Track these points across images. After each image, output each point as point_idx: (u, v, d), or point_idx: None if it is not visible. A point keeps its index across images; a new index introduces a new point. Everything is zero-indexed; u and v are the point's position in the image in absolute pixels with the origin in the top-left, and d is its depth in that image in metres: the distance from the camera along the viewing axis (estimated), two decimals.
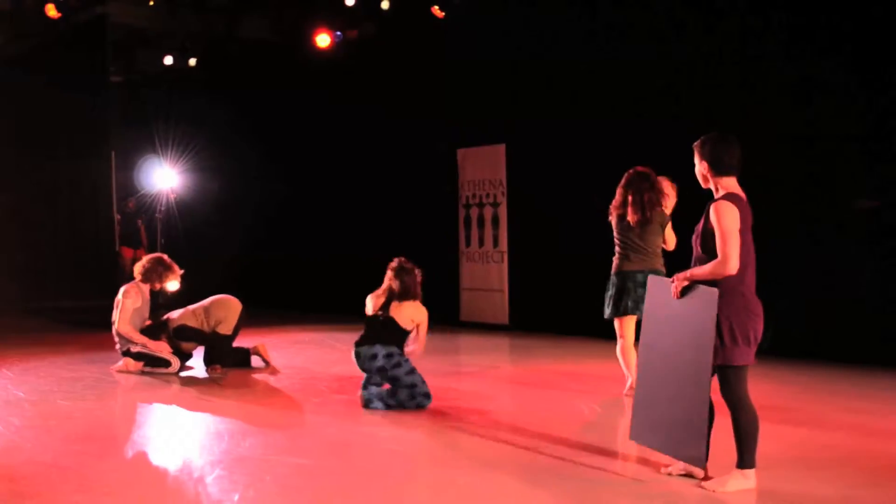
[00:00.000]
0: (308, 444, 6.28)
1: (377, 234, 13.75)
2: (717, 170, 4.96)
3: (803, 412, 7.01)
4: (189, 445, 6.40)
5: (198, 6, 15.33)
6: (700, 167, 5.05)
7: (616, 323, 7.48)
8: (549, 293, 11.34)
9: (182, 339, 9.24)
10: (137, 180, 15.54)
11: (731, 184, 4.96)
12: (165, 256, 9.59)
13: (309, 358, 10.14)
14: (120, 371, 9.16)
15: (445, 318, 9.13)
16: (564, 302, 11.03)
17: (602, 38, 10.89)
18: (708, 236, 4.90)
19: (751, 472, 4.95)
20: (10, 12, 14.64)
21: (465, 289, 12.71)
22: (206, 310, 9.35)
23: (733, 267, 4.78)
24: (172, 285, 9.56)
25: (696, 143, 5.07)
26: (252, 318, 9.81)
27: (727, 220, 4.80)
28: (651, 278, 5.56)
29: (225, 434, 6.69)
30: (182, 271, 9.56)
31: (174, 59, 16.27)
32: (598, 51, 10.89)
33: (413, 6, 13.10)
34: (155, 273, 9.34)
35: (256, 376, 8.98)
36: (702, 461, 5.09)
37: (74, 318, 13.89)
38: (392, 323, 7.26)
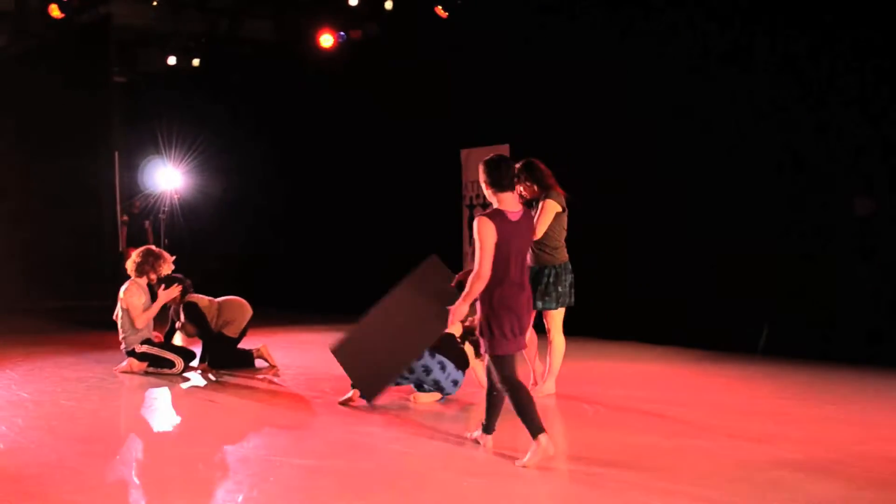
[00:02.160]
0: (312, 445, 6.26)
1: (381, 233, 13.75)
2: (495, 187, 5.73)
3: (804, 414, 6.98)
4: (192, 446, 6.39)
5: (201, 6, 15.32)
6: (482, 184, 5.82)
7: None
8: None
9: (187, 316, 9.26)
10: (141, 181, 15.54)
11: (505, 198, 5.72)
12: (153, 247, 9.60)
13: (313, 358, 10.11)
14: (124, 372, 9.15)
15: None
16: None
17: (606, 38, 10.86)
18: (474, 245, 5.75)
19: (543, 437, 5.56)
20: (13, 12, 14.64)
21: None
22: (220, 306, 9.42)
23: (484, 274, 5.58)
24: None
25: (481, 162, 5.83)
26: (256, 317, 9.81)
27: (482, 234, 5.58)
28: (434, 259, 7.36)
29: (228, 435, 6.68)
30: (173, 256, 9.58)
31: (177, 60, 16.26)
32: (603, 50, 10.87)
33: (416, 6, 13.08)
34: (147, 265, 9.32)
35: (260, 377, 8.97)
36: (370, 398, 7.17)
37: (78, 319, 13.89)
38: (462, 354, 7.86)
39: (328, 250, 14.74)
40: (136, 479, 5.42)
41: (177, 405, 7.86)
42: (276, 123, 15.59)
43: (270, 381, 8.75)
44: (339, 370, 9.11)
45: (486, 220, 5.59)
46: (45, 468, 5.69)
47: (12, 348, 10.85)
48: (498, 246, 5.57)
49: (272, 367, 9.40)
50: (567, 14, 11.37)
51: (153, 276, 9.36)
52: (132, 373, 9.10)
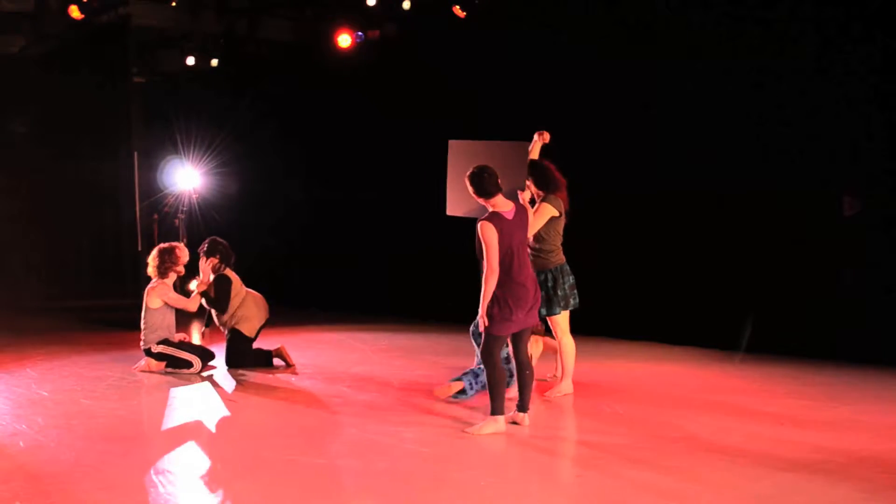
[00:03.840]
0: (329, 445, 6.27)
1: (399, 232, 13.75)
2: (483, 195, 6.43)
3: (820, 416, 6.95)
4: (210, 446, 6.41)
5: (219, 7, 15.34)
6: (472, 195, 6.48)
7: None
8: None
9: (216, 287, 9.34)
10: (160, 181, 15.59)
11: (497, 202, 6.41)
12: (161, 245, 9.61)
13: (330, 358, 10.14)
14: (142, 371, 9.19)
15: (468, 317, 9.15)
16: (587, 301, 10.98)
17: (625, 38, 10.84)
18: (480, 245, 6.41)
19: (500, 418, 6.39)
20: (33, 13, 14.69)
21: None
22: (245, 297, 9.50)
23: (495, 271, 6.29)
24: (192, 284, 9.59)
25: (466, 176, 6.49)
26: (275, 317, 9.83)
27: (487, 237, 6.29)
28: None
29: (246, 434, 6.70)
30: (182, 242, 9.67)
31: (196, 60, 16.29)
32: (621, 50, 10.85)
33: (434, 6, 13.07)
34: (166, 263, 9.34)
35: (278, 377, 8.99)
36: (449, 211, 7.50)
37: (96, 318, 13.95)
38: None
39: (346, 249, 14.75)
40: (154, 478, 5.45)
41: (195, 404, 7.88)
42: (295, 123, 15.60)
43: (288, 381, 8.76)
44: (357, 369, 9.17)
45: (487, 223, 6.31)
46: (64, 466, 5.73)
47: (31, 347, 10.90)
48: (500, 242, 6.27)
49: (290, 366, 9.42)
50: (588, 13, 11.34)
51: (178, 270, 9.42)
52: (151, 372, 9.14)
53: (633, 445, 6.06)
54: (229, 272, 9.50)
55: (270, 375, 9.04)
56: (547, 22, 11.77)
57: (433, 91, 13.14)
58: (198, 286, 9.40)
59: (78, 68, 15.68)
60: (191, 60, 16.30)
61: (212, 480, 5.46)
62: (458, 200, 7.43)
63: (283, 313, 10.61)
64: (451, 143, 7.74)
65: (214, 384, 8.68)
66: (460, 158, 7.45)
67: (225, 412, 7.54)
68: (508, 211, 6.42)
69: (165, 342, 9.19)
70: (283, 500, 5.02)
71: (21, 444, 6.32)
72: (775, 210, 9.56)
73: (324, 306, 14.59)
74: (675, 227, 10.46)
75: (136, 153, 14.28)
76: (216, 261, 9.44)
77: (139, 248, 14.38)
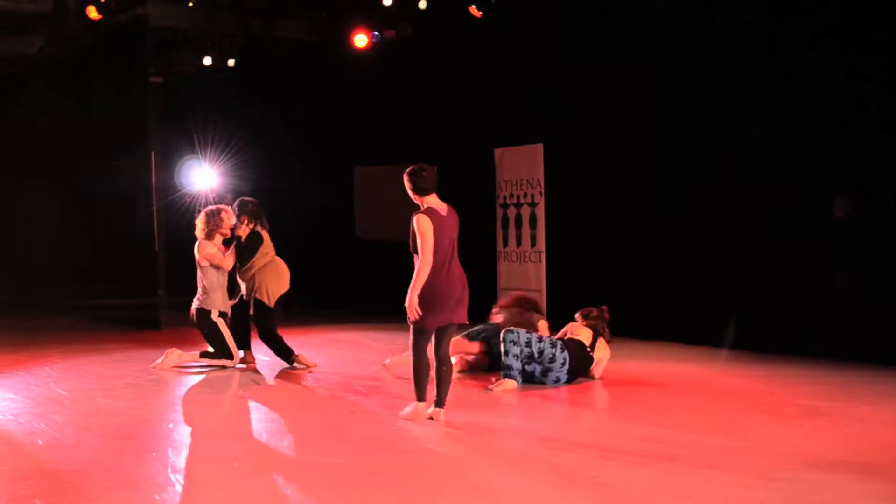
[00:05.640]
0: (345, 444, 6.27)
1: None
2: (419, 192, 6.73)
3: (841, 415, 6.92)
4: (226, 444, 6.42)
5: (236, 7, 15.38)
6: (408, 191, 6.74)
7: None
8: (586, 293, 11.26)
9: (246, 241, 9.36)
10: (177, 180, 15.64)
11: (431, 200, 6.73)
12: (209, 207, 9.59)
13: (347, 357, 10.16)
14: (160, 369, 9.21)
15: (483, 317, 9.17)
16: (602, 302, 10.96)
17: (639, 38, 10.82)
18: (414, 239, 6.60)
19: (421, 405, 6.76)
20: (51, 14, 14.76)
21: (502, 289, 12.67)
22: (265, 265, 9.44)
23: (429, 262, 6.52)
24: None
25: (405, 173, 6.74)
26: (292, 316, 9.82)
27: (423, 228, 6.54)
28: None
29: (262, 433, 6.72)
30: (229, 205, 9.66)
31: (213, 60, 16.35)
32: (636, 50, 10.83)
33: (450, 5, 13.07)
34: (212, 224, 9.33)
35: (294, 374, 9.00)
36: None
37: (113, 317, 14.01)
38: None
39: (363, 249, 14.76)
40: (171, 477, 5.46)
41: (212, 403, 7.90)
42: (311, 123, 15.63)
43: (304, 380, 8.78)
44: (373, 369, 9.17)
45: (423, 216, 6.60)
46: (82, 465, 5.75)
47: (49, 346, 10.96)
48: (435, 235, 6.52)
49: (307, 366, 9.39)
50: (600, 14, 11.32)
51: (223, 232, 9.39)
52: (169, 369, 9.16)
53: (649, 445, 6.04)
54: (262, 230, 9.50)
55: (286, 374, 9.05)
56: (561, 22, 11.75)
57: (450, 90, 13.14)
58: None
59: (95, 68, 15.74)
60: (208, 60, 16.35)
61: (229, 479, 5.47)
62: (368, 225, 7.52)
63: (299, 313, 10.62)
64: (358, 169, 7.76)
65: (231, 383, 8.69)
66: (366, 184, 7.51)
67: (241, 411, 7.56)
68: (443, 209, 6.72)
69: (224, 316, 9.23)
70: (299, 498, 5.03)
71: (39, 442, 6.36)
72: (776, 210, 9.54)
73: (339, 305, 14.61)
74: (677, 227, 10.45)
75: (153, 153, 14.33)
76: (246, 219, 9.47)
77: (157, 248, 14.43)
